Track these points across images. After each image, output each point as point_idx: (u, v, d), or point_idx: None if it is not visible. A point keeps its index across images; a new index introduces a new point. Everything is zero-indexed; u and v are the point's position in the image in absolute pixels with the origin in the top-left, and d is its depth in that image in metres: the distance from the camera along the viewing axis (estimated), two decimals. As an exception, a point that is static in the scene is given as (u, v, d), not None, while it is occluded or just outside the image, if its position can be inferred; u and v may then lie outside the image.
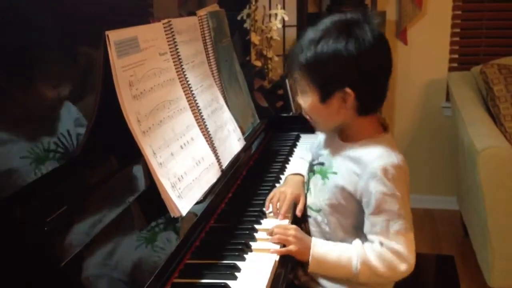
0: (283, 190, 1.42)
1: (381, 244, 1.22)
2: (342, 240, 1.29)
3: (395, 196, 1.20)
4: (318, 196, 1.33)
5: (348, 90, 1.20)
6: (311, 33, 1.25)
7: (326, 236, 1.31)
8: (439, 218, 3.44)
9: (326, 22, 1.25)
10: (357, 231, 1.28)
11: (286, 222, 1.38)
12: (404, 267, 1.21)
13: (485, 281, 2.37)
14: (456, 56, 3.40)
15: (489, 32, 3.33)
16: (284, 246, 1.26)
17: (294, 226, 1.29)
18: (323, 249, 1.25)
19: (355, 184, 1.24)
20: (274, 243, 1.26)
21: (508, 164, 2.20)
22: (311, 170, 1.40)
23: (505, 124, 2.70)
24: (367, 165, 1.22)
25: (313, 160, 1.42)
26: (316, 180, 1.35)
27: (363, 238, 1.26)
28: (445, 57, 3.38)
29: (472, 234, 2.68)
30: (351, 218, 1.28)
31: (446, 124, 3.38)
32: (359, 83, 1.21)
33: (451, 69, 3.39)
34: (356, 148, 1.27)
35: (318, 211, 1.33)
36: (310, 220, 1.36)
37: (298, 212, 1.37)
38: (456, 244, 3.13)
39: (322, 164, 1.35)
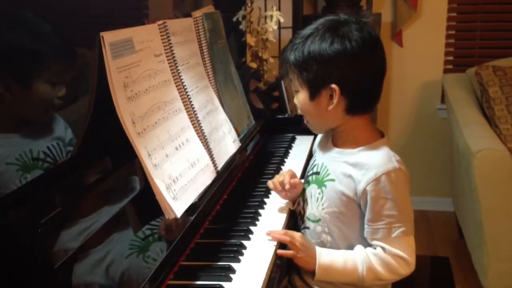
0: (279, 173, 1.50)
1: (384, 249, 1.22)
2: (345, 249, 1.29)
3: (396, 202, 1.20)
4: (315, 206, 1.31)
5: (333, 86, 1.21)
6: (301, 32, 1.27)
7: (327, 246, 1.30)
8: (434, 220, 3.45)
9: (317, 21, 1.27)
10: (363, 241, 1.27)
11: (283, 218, 1.40)
12: (406, 271, 1.23)
13: (480, 283, 2.37)
14: (451, 58, 3.41)
15: (484, 34, 3.35)
16: (282, 246, 1.26)
17: (299, 234, 1.29)
18: (329, 258, 1.25)
19: (354, 188, 1.24)
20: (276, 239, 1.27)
21: (502, 166, 2.21)
22: (306, 181, 1.39)
23: (500, 126, 2.71)
24: (368, 170, 1.22)
25: (307, 171, 1.41)
26: (312, 190, 1.34)
27: (367, 244, 1.26)
28: (440, 59, 3.40)
29: (467, 236, 2.69)
30: (356, 228, 1.26)
31: (441, 126, 3.40)
32: (345, 80, 1.21)
33: (446, 71, 3.40)
34: (355, 154, 1.26)
35: (317, 221, 1.31)
36: (309, 232, 1.34)
37: (291, 181, 1.41)
38: (451, 245, 3.13)
39: (317, 173, 1.34)
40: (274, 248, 1.25)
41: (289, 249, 1.26)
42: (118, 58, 1.11)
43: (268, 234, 1.29)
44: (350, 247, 1.27)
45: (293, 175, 1.44)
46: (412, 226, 1.24)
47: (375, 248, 1.23)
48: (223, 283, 1.10)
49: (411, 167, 1.26)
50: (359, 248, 1.26)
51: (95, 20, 1.18)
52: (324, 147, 1.37)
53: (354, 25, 1.22)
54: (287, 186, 1.40)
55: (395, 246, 1.21)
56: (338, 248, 1.28)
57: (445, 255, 2.94)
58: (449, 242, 3.18)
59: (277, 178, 1.45)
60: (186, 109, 1.37)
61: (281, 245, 1.28)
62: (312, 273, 1.25)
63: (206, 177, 1.37)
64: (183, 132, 1.33)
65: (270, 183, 1.46)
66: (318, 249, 1.26)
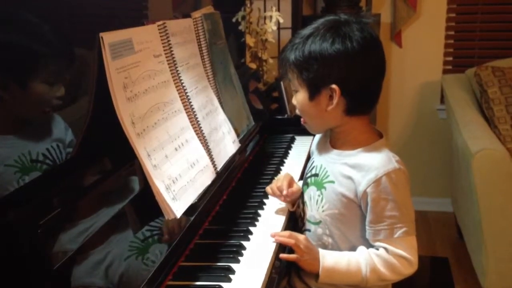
0: (276, 178, 1.49)
1: (386, 250, 1.22)
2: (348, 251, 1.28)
3: (397, 202, 1.20)
4: (315, 208, 1.31)
5: (334, 86, 1.21)
6: (301, 32, 1.26)
7: (328, 248, 1.29)
8: (434, 220, 3.45)
9: (317, 21, 1.27)
10: (364, 242, 1.27)
11: (282, 218, 1.39)
12: (409, 271, 1.24)
13: (480, 283, 2.37)
14: (450, 58, 3.42)
15: (483, 34, 3.35)
16: (282, 247, 1.26)
17: (304, 236, 1.29)
18: (332, 260, 1.24)
19: (354, 190, 1.24)
20: (280, 242, 1.27)
21: (502, 166, 2.21)
22: (305, 183, 1.38)
23: (499, 126, 2.71)
24: (368, 172, 1.21)
25: (306, 173, 1.41)
26: (311, 192, 1.33)
27: (369, 245, 1.26)
28: (440, 59, 3.40)
29: (466, 236, 2.69)
30: (357, 229, 1.26)
31: (441, 127, 3.40)
32: (345, 81, 1.21)
33: (445, 71, 3.40)
34: (354, 155, 1.26)
35: (318, 223, 1.31)
36: (309, 234, 1.33)
37: (289, 190, 1.40)
38: (451, 246, 3.13)
39: (316, 175, 1.33)
40: (273, 249, 1.25)
41: (290, 251, 1.25)
42: (118, 59, 1.11)
43: (273, 236, 1.28)
44: (352, 248, 1.27)
45: (290, 180, 1.43)
46: (414, 226, 1.24)
47: (377, 249, 1.23)
48: (222, 284, 1.10)
49: (410, 168, 1.26)
50: (361, 249, 1.25)
51: (95, 21, 1.18)
52: (322, 148, 1.36)
53: (355, 25, 1.22)
54: (284, 192, 1.39)
55: (397, 247, 1.21)
56: (340, 250, 1.28)
57: (444, 256, 2.94)
58: (449, 242, 3.18)
59: (275, 183, 1.44)
60: (185, 109, 1.37)
61: (281, 246, 1.28)
62: (315, 275, 1.25)
63: (206, 178, 1.37)
64: (183, 132, 1.33)
65: (268, 189, 1.45)
66: (322, 251, 1.26)
